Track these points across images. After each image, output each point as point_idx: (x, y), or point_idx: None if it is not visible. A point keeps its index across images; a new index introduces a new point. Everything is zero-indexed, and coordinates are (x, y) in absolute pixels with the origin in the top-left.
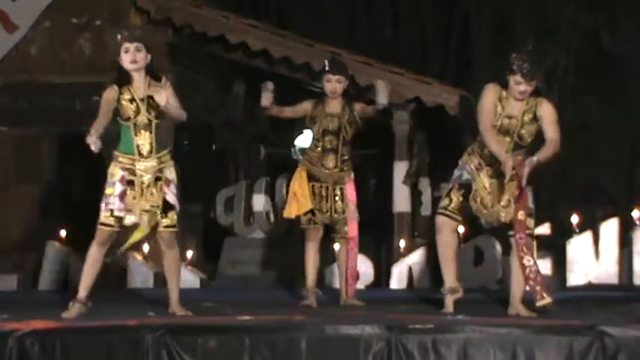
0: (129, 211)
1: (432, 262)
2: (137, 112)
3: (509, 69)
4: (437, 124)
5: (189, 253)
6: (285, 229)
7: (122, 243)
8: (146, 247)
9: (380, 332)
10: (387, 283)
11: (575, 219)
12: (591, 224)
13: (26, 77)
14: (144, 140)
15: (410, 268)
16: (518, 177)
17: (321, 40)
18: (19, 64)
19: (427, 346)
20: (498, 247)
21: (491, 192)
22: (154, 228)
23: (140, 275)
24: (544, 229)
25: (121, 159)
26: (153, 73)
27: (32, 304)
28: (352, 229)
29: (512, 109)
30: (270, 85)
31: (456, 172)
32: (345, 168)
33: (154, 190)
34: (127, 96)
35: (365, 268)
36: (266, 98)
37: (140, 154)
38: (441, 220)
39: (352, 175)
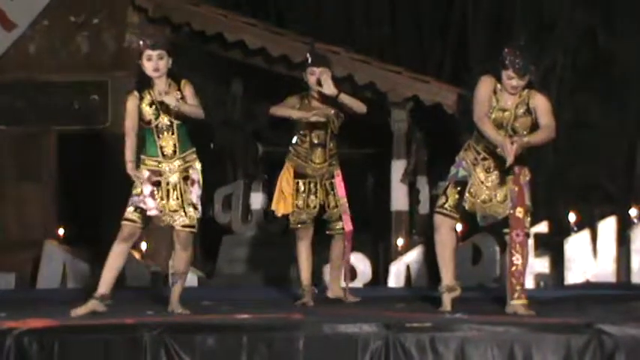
0: (160, 211)
1: (430, 260)
2: (157, 115)
3: (501, 64)
4: (435, 122)
5: None
6: (282, 227)
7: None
8: (144, 246)
9: (378, 330)
10: (385, 282)
11: (572, 217)
12: (589, 222)
13: (24, 75)
14: (167, 142)
15: (408, 267)
16: (515, 173)
17: (320, 38)
18: (18, 62)
19: (425, 344)
20: (496, 246)
21: (488, 186)
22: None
23: (138, 274)
24: (542, 228)
25: (147, 162)
26: (174, 76)
27: (30, 302)
28: (347, 223)
29: (506, 103)
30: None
31: (453, 170)
32: (334, 162)
33: (180, 190)
34: (146, 100)
35: (363, 266)
36: None
37: (164, 155)
38: (438, 219)
39: (339, 170)
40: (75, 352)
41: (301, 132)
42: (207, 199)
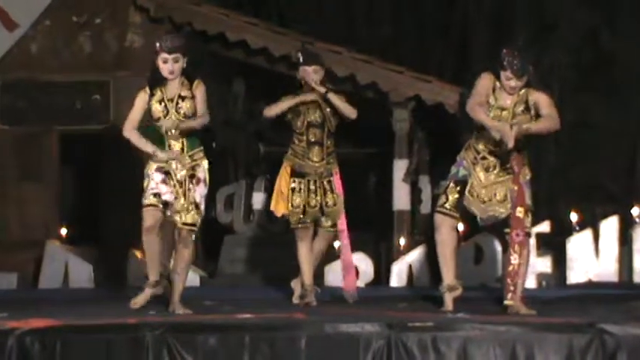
0: (175, 197)
1: (432, 259)
2: (166, 113)
3: (499, 65)
4: (436, 122)
5: None
6: (284, 227)
7: None
8: None
9: (380, 330)
10: (387, 281)
11: (575, 217)
12: (591, 222)
13: (27, 75)
14: (175, 140)
15: (410, 266)
16: (515, 172)
17: (321, 38)
18: (20, 62)
19: (427, 344)
20: (498, 245)
21: (487, 186)
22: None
23: (140, 273)
24: (544, 227)
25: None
26: (187, 74)
27: (32, 302)
28: (342, 222)
29: (505, 102)
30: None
31: (453, 169)
32: (331, 160)
33: (185, 188)
34: (157, 97)
35: (365, 265)
36: None
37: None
38: (438, 218)
39: (337, 168)
40: (77, 352)
41: (298, 131)
42: (209, 198)
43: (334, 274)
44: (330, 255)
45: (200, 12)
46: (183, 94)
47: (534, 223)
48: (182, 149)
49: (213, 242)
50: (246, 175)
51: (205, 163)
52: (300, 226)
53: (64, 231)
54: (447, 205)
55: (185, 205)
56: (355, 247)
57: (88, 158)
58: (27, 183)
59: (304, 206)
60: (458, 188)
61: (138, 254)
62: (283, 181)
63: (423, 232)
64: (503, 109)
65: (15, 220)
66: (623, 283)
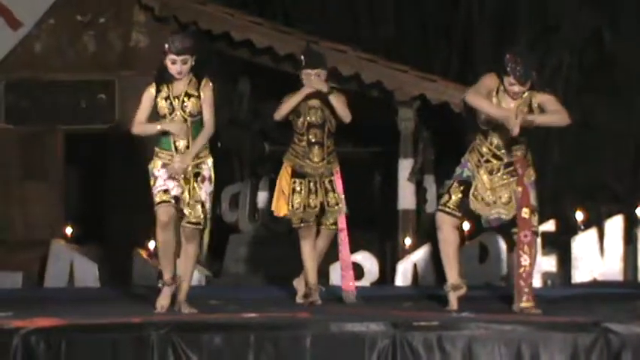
0: (182, 192)
1: (437, 259)
2: (172, 110)
3: (503, 70)
4: (442, 121)
5: None
6: (289, 226)
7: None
8: (151, 245)
9: (385, 329)
10: (392, 280)
11: (579, 216)
12: (596, 221)
13: (31, 74)
14: (180, 137)
15: (415, 265)
16: (519, 174)
17: (326, 37)
18: (24, 61)
19: (432, 343)
20: (503, 244)
21: (491, 188)
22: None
23: (145, 273)
24: (549, 226)
25: (160, 154)
26: (195, 72)
27: (37, 301)
28: (342, 221)
29: (508, 104)
30: None
31: (458, 170)
32: (332, 160)
33: (190, 186)
34: (163, 94)
35: (370, 265)
36: None
37: (177, 150)
38: (440, 217)
39: (338, 167)
40: (82, 351)
41: (298, 131)
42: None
43: (339, 274)
44: (335, 254)
45: (205, 11)
46: (190, 92)
47: (539, 222)
48: (187, 147)
49: (218, 241)
50: (251, 174)
51: (210, 161)
52: (302, 225)
53: (69, 230)
54: (449, 204)
55: (190, 203)
56: (360, 246)
57: (93, 158)
58: (31, 182)
59: (304, 206)
60: (461, 188)
61: (143, 253)
62: (284, 181)
63: (429, 232)
64: None
65: (20, 220)
66: (628, 282)
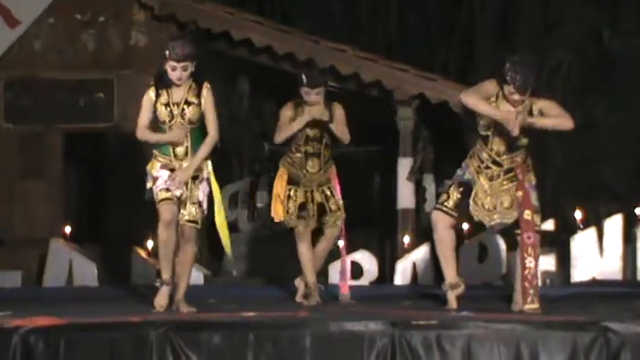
0: (181, 194)
1: (436, 258)
2: (171, 117)
3: (502, 78)
4: (441, 120)
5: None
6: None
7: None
8: (150, 244)
9: (384, 328)
10: (391, 279)
11: (579, 215)
12: (595, 220)
13: (30, 73)
14: (179, 144)
15: (414, 264)
16: (520, 179)
17: (326, 36)
18: (23, 60)
19: (431, 342)
20: (502, 244)
21: (491, 194)
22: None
23: (144, 272)
24: (548, 225)
25: (159, 158)
26: (195, 77)
27: (36, 300)
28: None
29: (507, 109)
30: None
31: (459, 172)
32: (328, 167)
33: (189, 188)
34: (162, 100)
35: (369, 264)
36: None
37: (176, 155)
38: (435, 216)
39: (334, 169)
40: (81, 350)
41: (296, 142)
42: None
43: (338, 273)
44: (334, 254)
45: (204, 10)
46: (189, 99)
47: (541, 220)
48: (186, 153)
49: (217, 240)
50: (250, 173)
51: (209, 164)
52: (298, 224)
53: (68, 229)
54: (446, 204)
55: (188, 203)
56: (359, 246)
57: (92, 156)
58: (31, 181)
59: (299, 209)
60: (461, 189)
61: (142, 252)
62: (279, 187)
63: (428, 231)
64: None
65: (19, 219)
66: (627, 282)
